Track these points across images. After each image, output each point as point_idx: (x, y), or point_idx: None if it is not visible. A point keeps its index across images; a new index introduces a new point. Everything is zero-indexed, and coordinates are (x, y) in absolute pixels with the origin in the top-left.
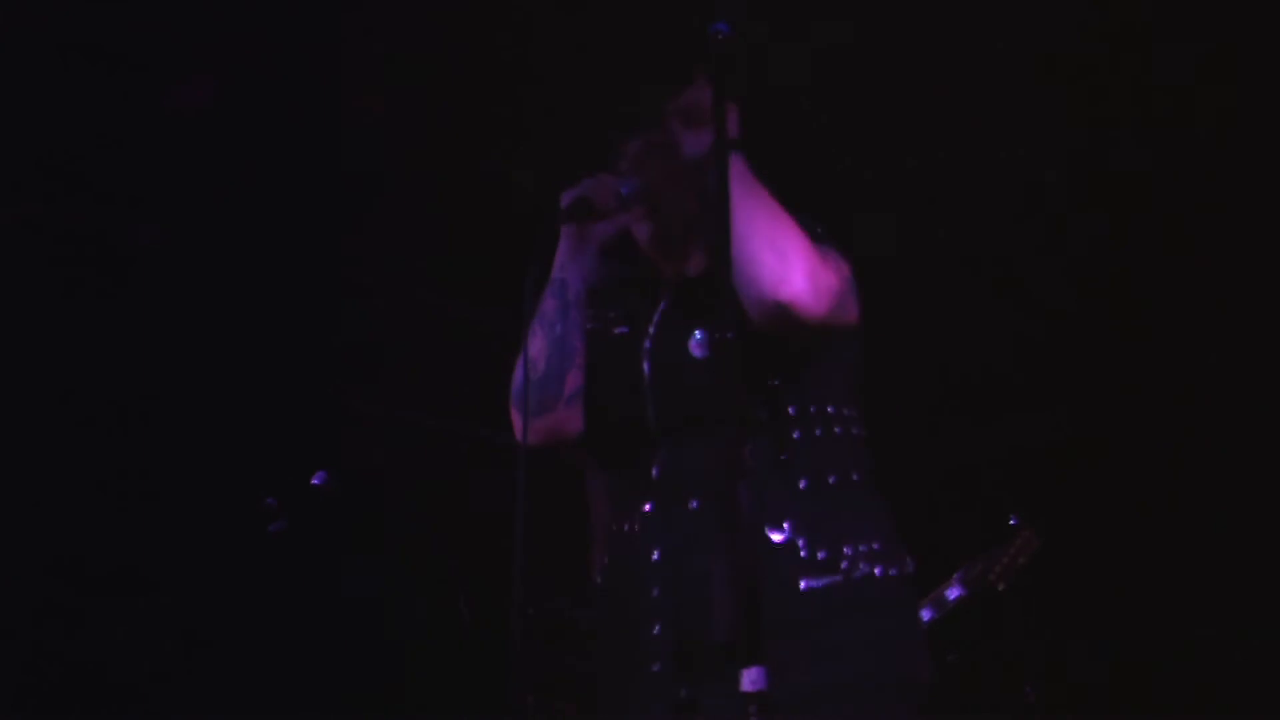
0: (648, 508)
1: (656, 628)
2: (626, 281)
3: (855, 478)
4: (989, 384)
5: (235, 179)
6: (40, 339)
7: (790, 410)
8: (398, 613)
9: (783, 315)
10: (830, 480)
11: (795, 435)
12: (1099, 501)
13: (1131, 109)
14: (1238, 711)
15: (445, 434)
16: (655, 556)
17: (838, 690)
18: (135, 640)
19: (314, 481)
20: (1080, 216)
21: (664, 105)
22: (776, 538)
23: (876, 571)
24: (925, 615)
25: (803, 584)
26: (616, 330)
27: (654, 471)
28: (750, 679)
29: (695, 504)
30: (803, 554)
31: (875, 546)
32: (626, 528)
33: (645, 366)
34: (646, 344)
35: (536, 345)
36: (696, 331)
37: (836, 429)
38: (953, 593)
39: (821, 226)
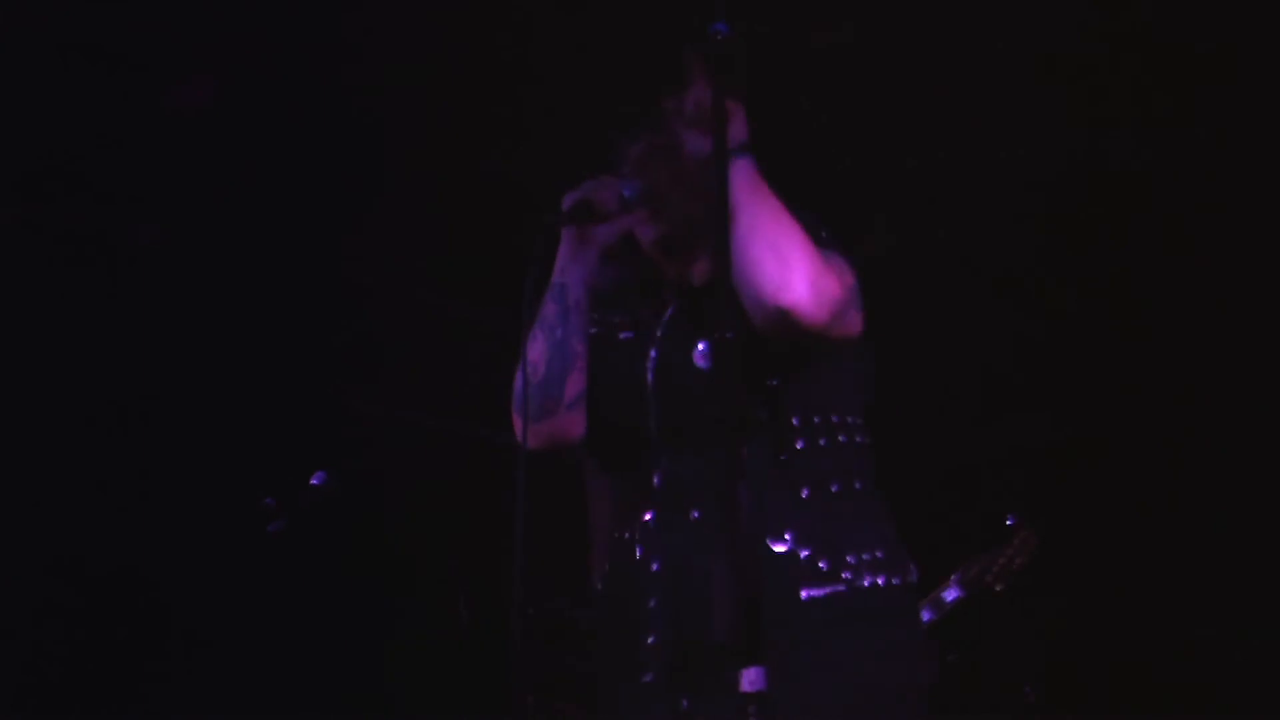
0: (648, 517)
1: (651, 638)
2: (631, 286)
3: (858, 486)
4: (989, 384)
5: (235, 179)
6: (40, 339)
7: (794, 420)
8: (397, 613)
9: (783, 321)
10: (833, 489)
11: (799, 445)
12: (1099, 501)
13: (1131, 109)
14: (1238, 711)
15: (445, 434)
16: (655, 567)
17: (842, 701)
18: (135, 640)
19: (313, 481)
20: (1080, 216)
21: (667, 106)
22: (778, 548)
23: (880, 581)
24: (924, 617)
25: (804, 593)
26: (621, 335)
27: (655, 480)
28: (749, 679)
29: (696, 514)
30: (804, 564)
31: (879, 555)
32: (627, 535)
33: (649, 376)
34: (652, 352)
35: (537, 349)
36: (702, 343)
37: (841, 437)
38: (950, 594)
39: (827, 230)
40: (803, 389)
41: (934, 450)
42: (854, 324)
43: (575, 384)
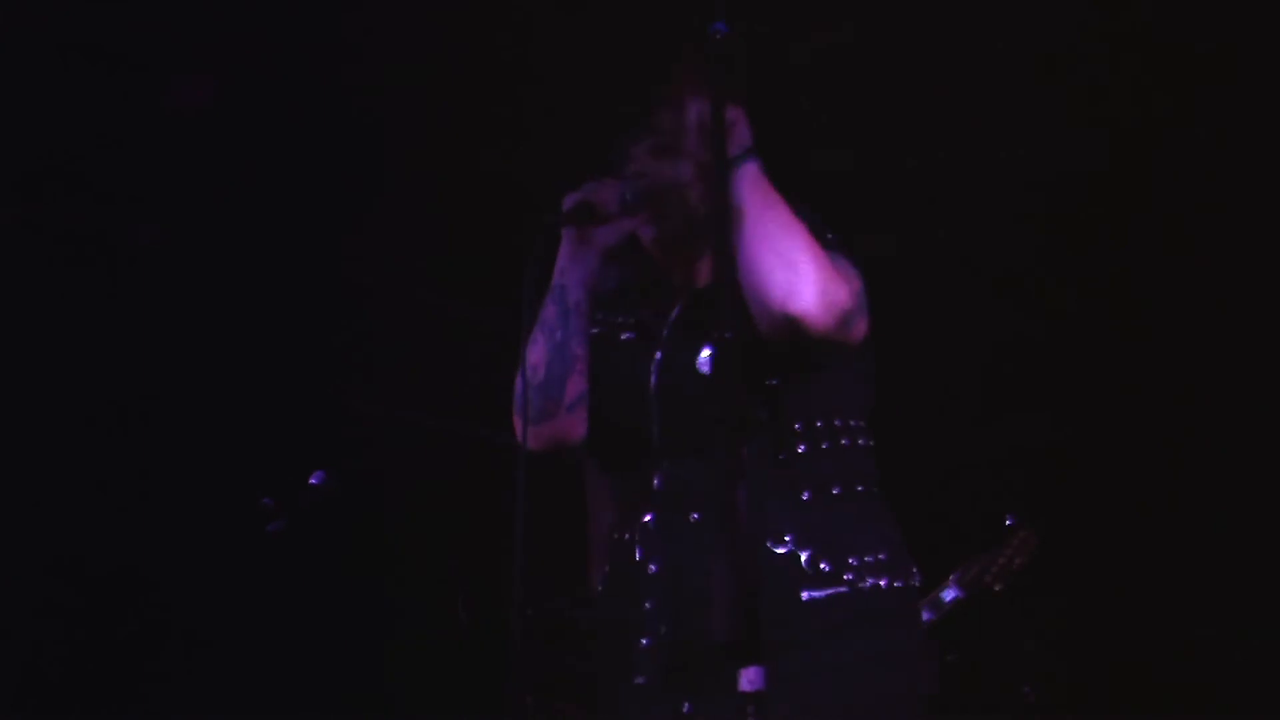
0: (648, 518)
1: (645, 640)
2: (634, 287)
3: (860, 488)
4: (989, 384)
5: (235, 179)
6: (40, 339)
7: (796, 425)
8: (397, 613)
9: (791, 329)
10: (834, 491)
11: (800, 449)
12: (1099, 501)
13: (1131, 109)
14: (1238, 711)
15: (445, 434)
16: (653, 569)
17: (842, 704)
18: (135, 640)
19: (312, 481)
20: (1080, 216)
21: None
22: (779, 550)
23: (882, 583)
24: (924, 617)
25: (805, 595)
26: (623, 336)
27: (656, 482)
28: (748, 679)
29: (696, 516)
30: (805, 566)
31: (881, 557)
32: (627, 536)
33: (653, 378)
34: (657, 354)
35: (537, 352)
36: (706, 348)
37: (843, 441)
38: (949, 594)
39: (833, 232)
40: (804, 392)
41: (934, 450)
42: (860, 329)
43: (575, 386)
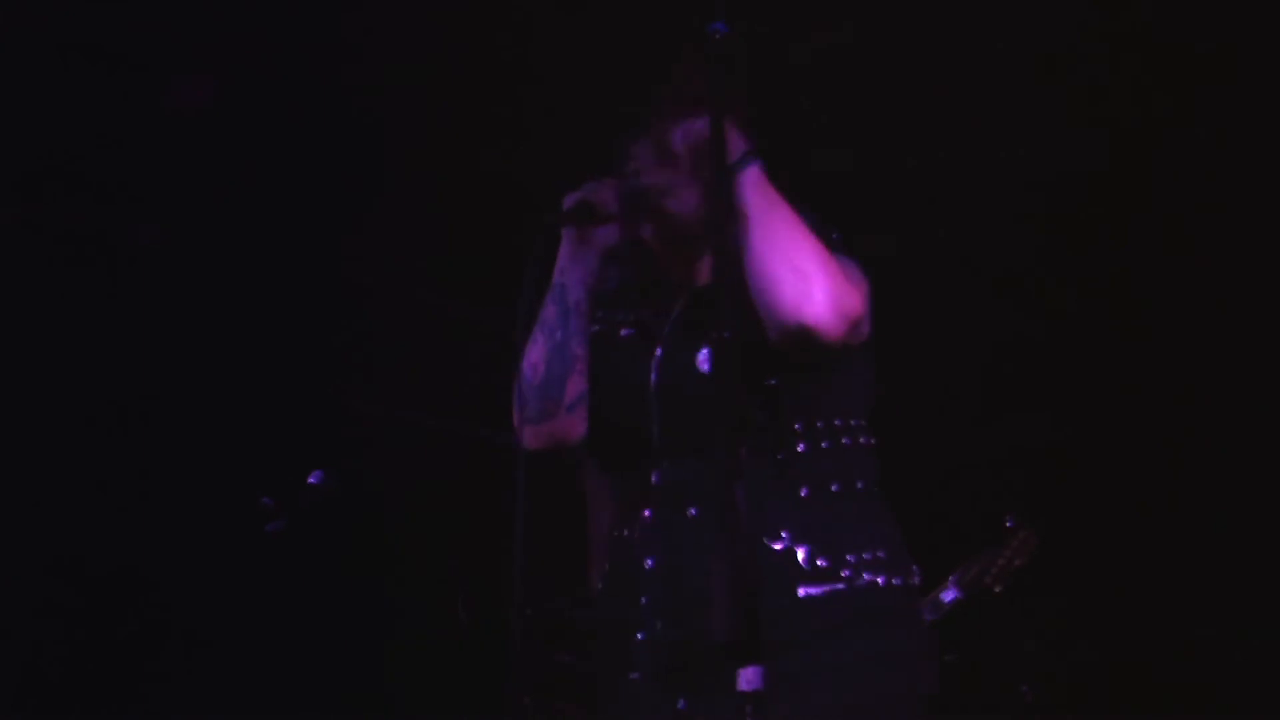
0: (647, 514)
1: (641, 635)
2: (634, 286)
3: (860, 486)
4: (989, 384)
5: (235, 179)
6: (40, 339)
7: (796, 425)
8: (397, 613)
9: (803, 338)
10: (833, 488)
11: (800, 448)
12: (1099, 501)
13: (1131, 109)
14: (1238, 711)
15: (445, 434)
16: (649, 564)
17: (841, 704)
18: (135, 640)
19: (310, 480)
20: (1080, 216)
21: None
22: (776, 546)
23: (880, 580)
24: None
25: (801, 592)
26: (623, 333)
27: (654, 478)
28: (746, 678)
29: (694, 511)
30: (802, 562)
31: (880, 555)
32: (625, 533)
33: (653, 375)
34: (658, 351)
35: (537, 351)
36: (706, 346)
37: (844, 440)
38: (948, 595)
39: (838, 232)
40: (804, 392)
41: (934, 450)
42: (866, 331)
43: (575, 386)
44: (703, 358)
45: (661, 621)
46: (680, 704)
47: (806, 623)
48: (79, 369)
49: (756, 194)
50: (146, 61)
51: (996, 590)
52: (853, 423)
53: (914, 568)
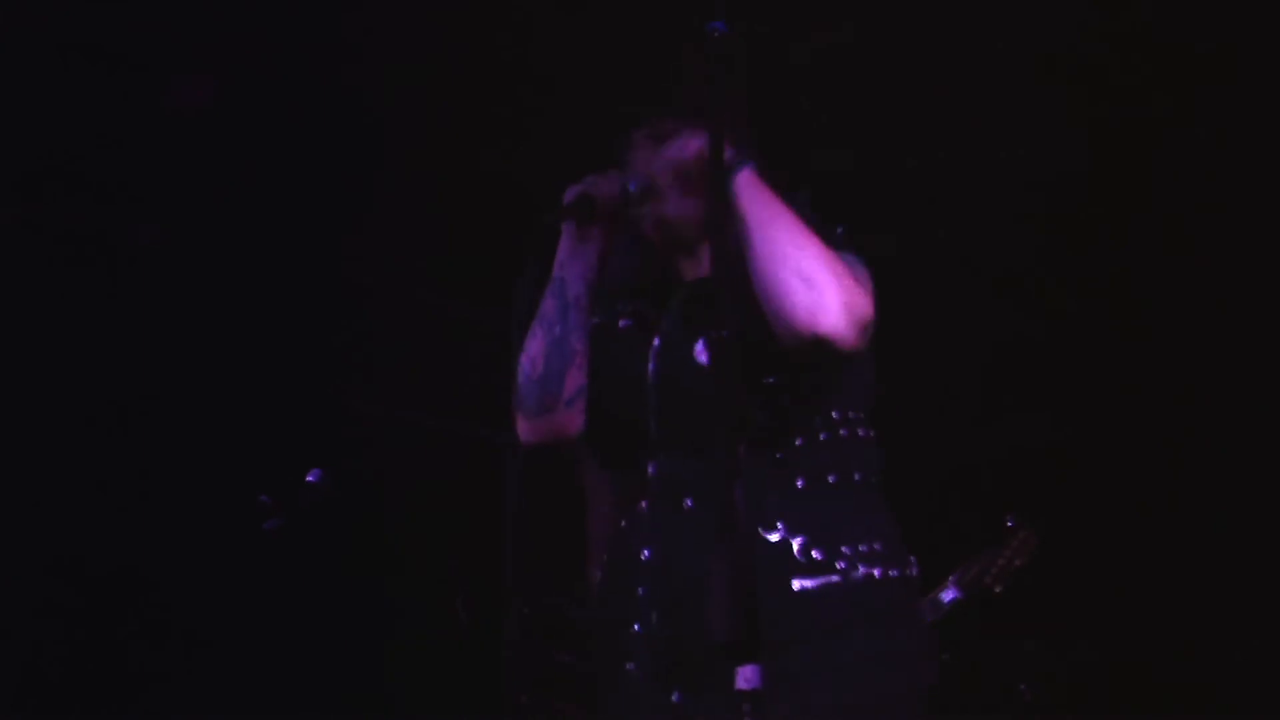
0: (643, 506)
1: (637, 627)
2: (635, 279)
3: (857, 477)
4: (989, 384)
5: (235, 179)
6: (40, 339)
7: (793, 416)
8: (396, 613)
9: (817, 347)
10: (830, 480)
11: (797, 441)
12: (1099, 501)
13: (1131, 109)
14: (1238, 711)
15: (445, 434)
16: (645, 555)
17: (839, 701)
18: (135, 640)
19: (309, 479)
20: (1080, 216)
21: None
22: (771, 537)
23: (876, 573)
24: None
25: (796, 584)
26: (621, 324)
27: (650, 469)
28: (745, 677)
29: (690, 502)
30: (797, 554)
31: (876, 547)
32: (623, 524)
33: (650, 364)
34: (655, 340)
35: (536, 345)
36: (704, 337)
37: (842, 431)
38: (948, 595)
39: (843, 227)
40: (804, 389)
41: (934, 450)
42: (873, 328)
43: (574, 380)
44: (700, 348)
45: (657, 613)
46: (675, 697)
47: (802, 618)
48: (79, 369)
49: (753, 199)
50: (146, 61)
51: (996, 590)
52: (850, 414)
53: (911, 559)
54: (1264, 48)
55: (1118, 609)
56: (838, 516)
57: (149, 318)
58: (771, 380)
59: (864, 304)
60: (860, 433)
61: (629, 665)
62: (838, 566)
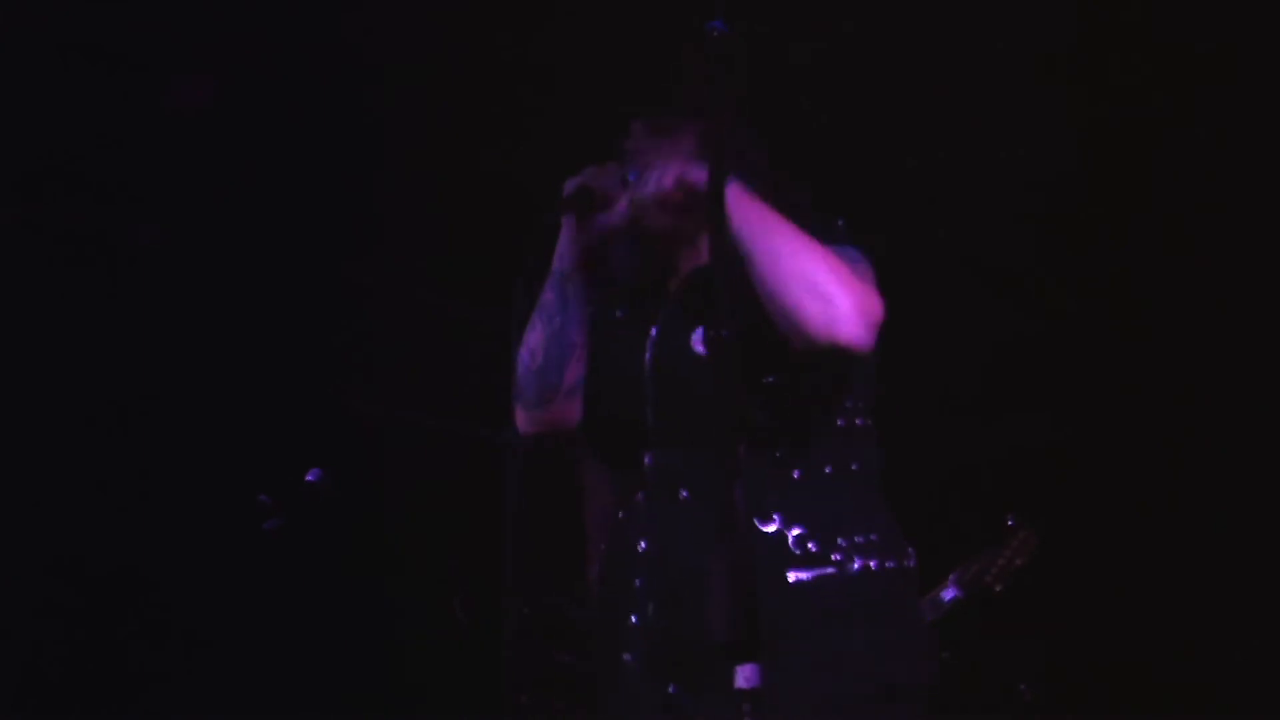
0: (640, 497)
1: (634, 618)
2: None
3: (855, 468)
4: (989, 384)
5: (235, 179)
6: (40, 339)
7: (793, 414)
8: (396, 612)
9: (835, 354)
10: (826, 471)
11: (796, 436)
12: (1099, 501)
13: (1132, 109)
14: (1238, 711)
15: (445, 434)
16: (642, 546)
17: (835, 697)
18: (135, 640)
19: (308, 478)
20: (1080, 216)
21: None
22: (767, 529)
23: (873, 565)
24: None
25: (791, 576)
26: (618, 313)
27: (647, 460)
28: (744, 676)
29: (685, 494)
30: (792, 545)
31: (873, 538)
32: (621, 515)
33: (648, 354)
34: (653, 331)
35: (535, 337)
36: (701, 328)
37: (840, 422)
38: (948, 594)
39: (843, 219)
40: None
41: (934, 450)
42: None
43: (573, 371)
44: (697, 339)
45: (654, 605)
46: (672, 689)
47: (797, 610)
48: (79, 369)
49: (745, 215)
50: (146, 61)
51: (997, 589)
52: (848, 404)
53: (910, 550)
54: (1264, 48)
55: (1118, 609)
56: (834, 508)
57: (149, 318)
58: (771, 380)
59: (875, 305)
60: (858, 422)
61: (626, 656)
62: (833, 558)
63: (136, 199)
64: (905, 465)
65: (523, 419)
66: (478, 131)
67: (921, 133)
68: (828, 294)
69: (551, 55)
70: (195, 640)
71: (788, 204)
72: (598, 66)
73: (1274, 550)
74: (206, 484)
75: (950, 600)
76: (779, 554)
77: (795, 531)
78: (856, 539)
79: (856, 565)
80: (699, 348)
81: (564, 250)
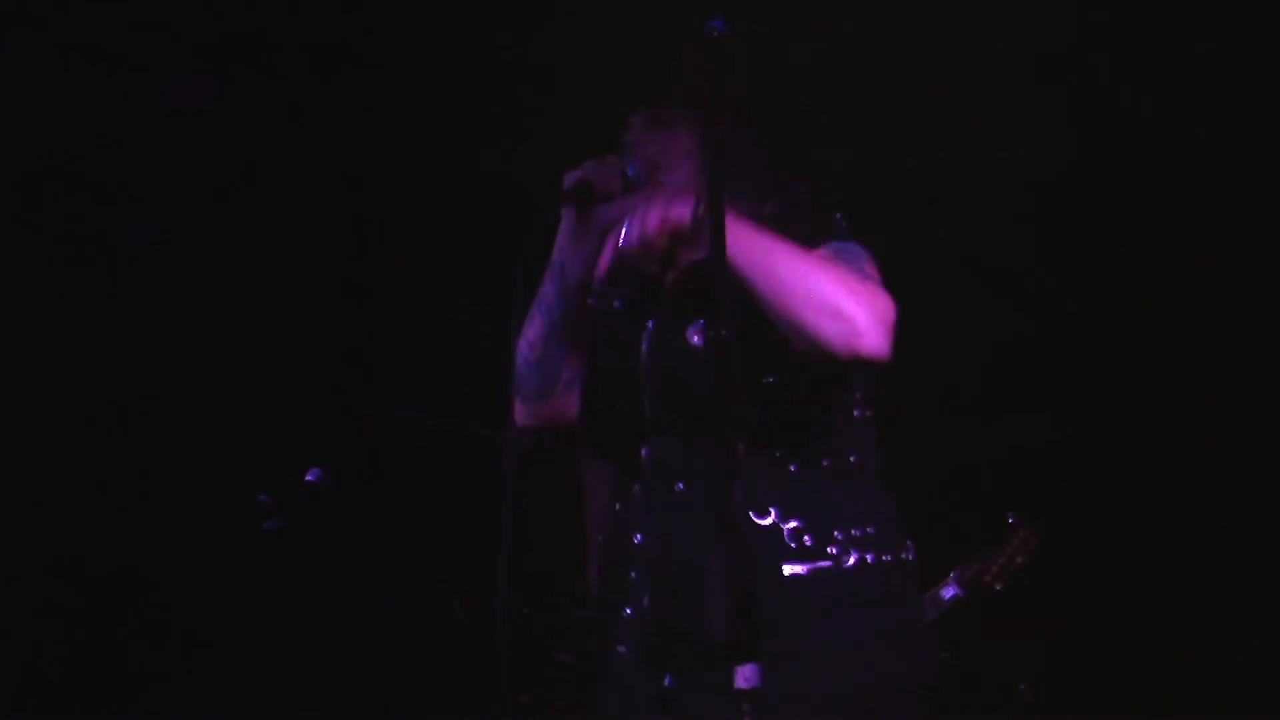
0: (637, 489)
1: (629, 610)
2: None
3: (852, 460)
4: (989, 384)
5: (235, 179)
6: (40, 339)
7: (793, 413)
8: (396, 612)
9: (857, 364)
10: (824, 464)
11: (795, 432)
12: (1099, 501)
13: (1132, 109)
14: (1238, 711)
15: (445, 434)
16: (638, 539)
17: (831, 694)
18: (135, 640)
19: (308, 478)
20: (1080, 216)
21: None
22: (762, 523)
23: (869, 558)
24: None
25: (787, 570)
26: (616, 304)
27: (644, 452)
28: (744, 676)
29: (681, 486)
30: (788, 539)
31: (869, 531)
32: (618, 507)
33: (644, 345)
34: (650, 323)
35: (534, 330)
36: (698, 320)
37: (839, 415)
38: (949, 593)
39: (844, 215)
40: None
41: (934, 450)
42: None
43: (572, 364)
44: (694, 331)
45: (649, 597)
46: (667, 681)
47: (792, 604)
48: (79, 369)
49: (743, 245)
50: (146, 61)
51: (997, 588)
52: (845, 397)
53: (908, 543)
54: (1264, 48)
55: (1118, 609)
56: (831, 501)
57: (149, 318)
58: (772, 380)
59: (888, 308)
60: (857, 414)
61: (620, 648)
62: (829, 552)
63: (136, 199)
64: (905, 465)
65: (521, 412)
66: (478, 131)
67: (921, 133)
68: (842, 311)
69: (551, 55)
70: (195, 640)
71: (788, 202)
72: (598, 66)
73: (1274, 550)
74: (206, 484)
75: (950, 599)
76: (774, 547)
77: (791, 525)
78: (853, 532)
79: (852, 559)
80: (696, 341)
81: (563, 242)
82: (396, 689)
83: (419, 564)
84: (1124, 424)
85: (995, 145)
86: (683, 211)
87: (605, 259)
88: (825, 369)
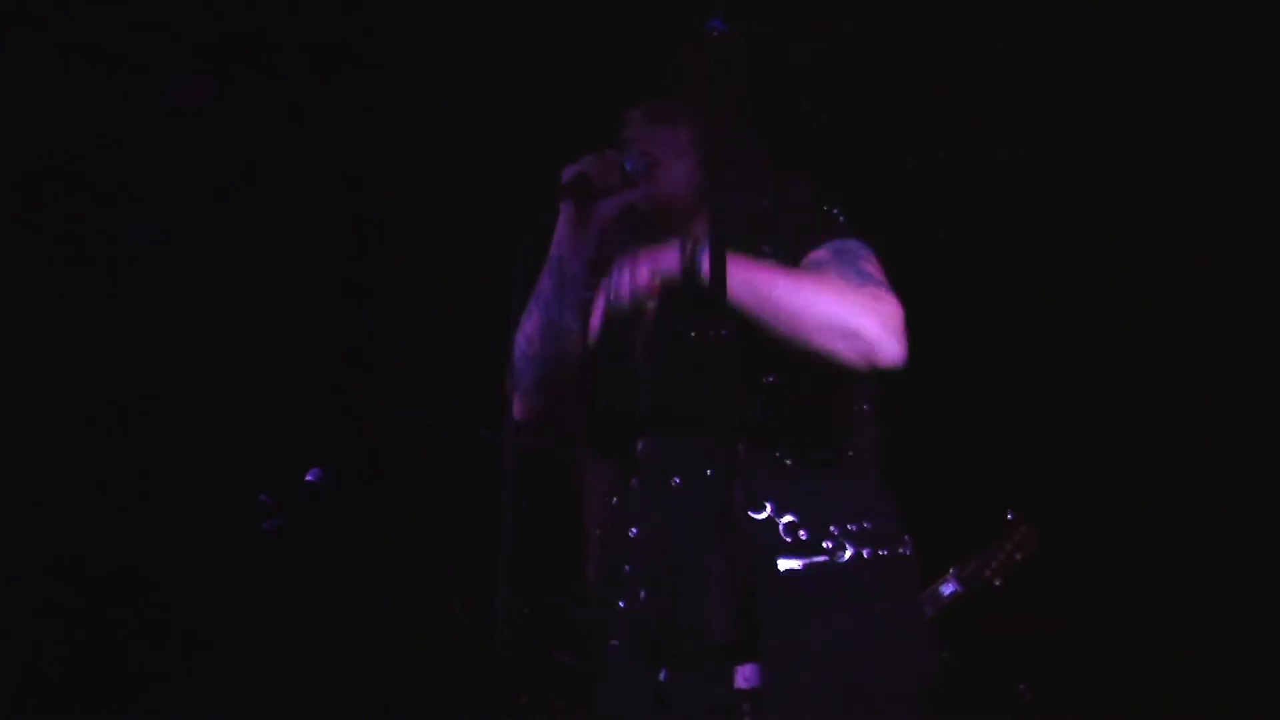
0: (634, 483)
1: (624, 603)
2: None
3: (851, 454)
4: (989, 384)
5: (235, 179)
6: (40, 339)
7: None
8: (396, 612)
9: (876, 372)
10: (821, 458)
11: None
12: (1099, 501)
13: (1132, 109)
14: (1238, 711)
15: (445, 434)
16: (634, 533)
17: (829, 692)
18: (135, 640)
19: (308, 478)
20: (1080, 216)
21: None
22: (757, 517)
23: (865, 553)
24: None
25: (782, 564)
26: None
27: (640, 446)
28: (744, 675)
29: (677, 480)
30: (783, 533)
31: (866, 526)
32: (615, 501)
33: (641, 343)
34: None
35: (532, 324)
36: (696, 316)
37: (838, 410)
38: (948, 589)
39: (841, 210)
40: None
41: (934, 449)
42: None
43: (570, 359)
44: (693, 329)
45: (644, 591)
46: (662, 676)
47: (787, 599)
48: (79, 369)
49: (740, 280)
50: (146, 61)
51: (996, 584)
52: (843, 390)
53: (906, 538)
54: (1264, 48)
55: (1118, 609)
56: (827, 495)
57: (149, 318)
58: (772, 380)
59: (896, 313)
60: (856, 410)
61: (614, 643)
62: (824, 546)
63: (136, 199)
64: (905, 465)
65: (519, 406)
66: (478, 131)
67: (921, 133)
68: (852, 329)
69: (551, 55)
70: (195, 640)
71: (788, 200)
72: (598, 66)
73: (1274, 550)
74: (206, 484)
75: (950, 595)
76: (770, 542)
77: (786, 519)
78: (849, 526)
79: (849, 553)
80: (695, 339)
81: (561, 237)
82: (396, 689)
83: (419, 564)
84: (1124, 424)
85: (995, 145)
86: (670, 262)
87: (598, 313)
88: (826, 369)
